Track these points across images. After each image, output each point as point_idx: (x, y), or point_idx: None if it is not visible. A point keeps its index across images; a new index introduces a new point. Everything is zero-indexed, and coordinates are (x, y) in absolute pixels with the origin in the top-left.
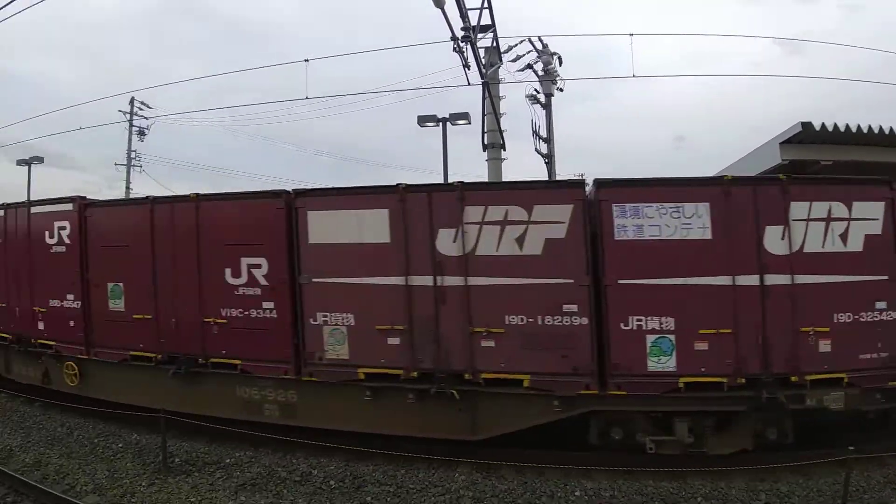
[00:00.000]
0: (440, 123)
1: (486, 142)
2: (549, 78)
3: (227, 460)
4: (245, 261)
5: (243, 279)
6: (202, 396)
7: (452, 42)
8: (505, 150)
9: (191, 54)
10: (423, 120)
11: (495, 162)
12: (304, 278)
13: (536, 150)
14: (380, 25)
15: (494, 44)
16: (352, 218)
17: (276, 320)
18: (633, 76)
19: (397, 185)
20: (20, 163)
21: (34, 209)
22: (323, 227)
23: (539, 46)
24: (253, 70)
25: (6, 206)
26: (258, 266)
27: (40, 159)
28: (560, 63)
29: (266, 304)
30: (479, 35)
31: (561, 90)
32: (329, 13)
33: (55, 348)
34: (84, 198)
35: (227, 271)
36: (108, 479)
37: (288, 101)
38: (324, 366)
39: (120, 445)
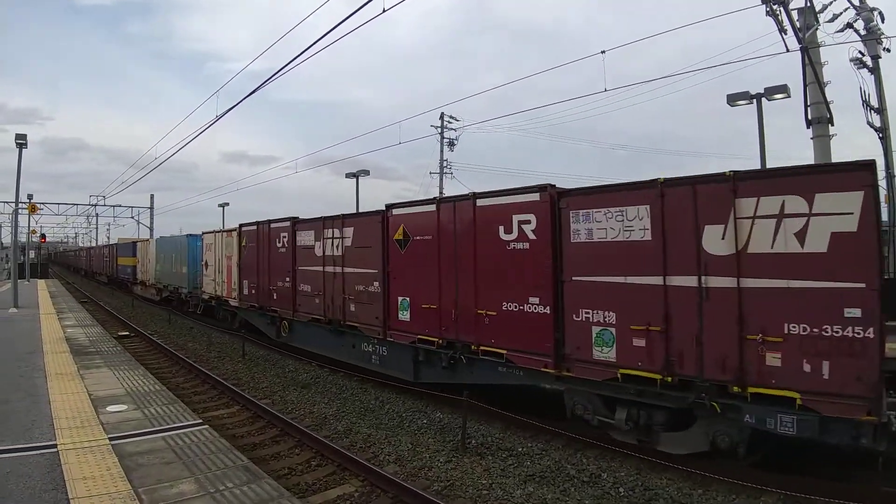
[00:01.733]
0: (753, 101)
1: (809, 117)
2: (872, 37)
3: (520, 449)
4: None
5: None
6: None
7: (765, 5)
8: (833, 124)
9: (491, 66)
10: (733, 98)
11: (822, 139)
12: None
13: (868, 122)
14: (676, 7)
15: (808, 3)
16: None
17: None
18: None
19: None
20: (349, 175)
21: None
22: None
23: (856, 2)
24: (548, 72)
25: None
26: None
27: (367, 172)
28: (882, 19)
29: None
30: None
31: (888, 50)
32: (623, 5)
33: None
34: None
35: None
36: (410, 451)
37: (583, 98)
38: None
39: (424, 422)
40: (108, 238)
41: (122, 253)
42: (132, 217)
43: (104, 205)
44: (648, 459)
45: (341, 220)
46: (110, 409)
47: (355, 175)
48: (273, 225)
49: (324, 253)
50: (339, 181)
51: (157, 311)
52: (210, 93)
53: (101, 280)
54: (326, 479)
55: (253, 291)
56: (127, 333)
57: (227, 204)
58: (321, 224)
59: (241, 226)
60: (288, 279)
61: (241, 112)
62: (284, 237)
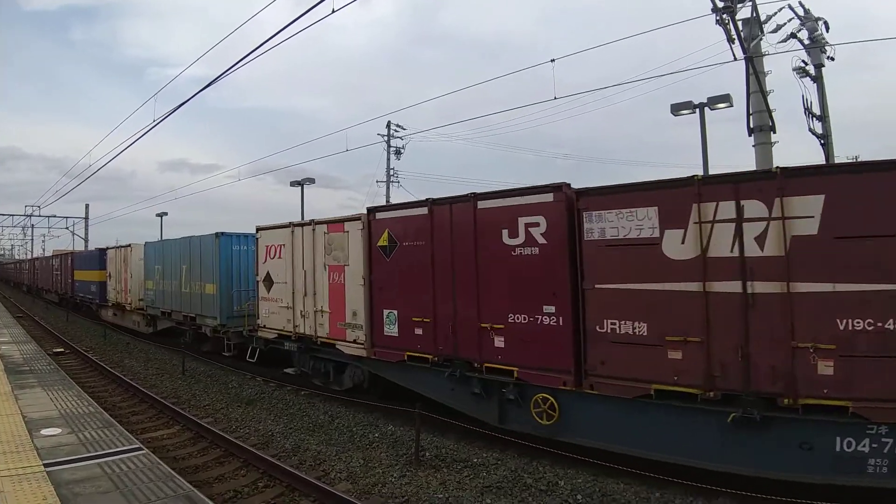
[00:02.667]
0: (697, 110)
1: (751, 125)
2: (816, 46)
3: (475, 460)
4: None
5: None
6: None
7: (714, 14)
8: (775, 132)
9: (438, 77)
10: (677, 108)
11: (764, 147)
12: None
13: (810, 129)
14: (620, 20)
15: (753, 14)
16: None
17: None
18: None
19: None
20: (293, 184)
21: None
22: None
23: (801, 12)
24: (496, 80)
25: None
26: None
27: (312, 180)
28: (827, 29)
29: None
30: (739, 5)
31: (832, 59)
32: (568, 15)
33: None
34: None
35: None
36: (362, 467)
37: (530, 107)
38: None
39: (376, 435)
40: (44, 250)
41: (83, 265)
42: (67, 227)
43: (38, 215)
44: (604, 465)
45: (777, 181)
46: (45, 432)
47: (300, 183)
48: (486, 204)
49: (703, 252)
50: (284, 190)
51: (91, 325)
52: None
53: (49, 299)
54: (275, 500)
55: (419, 331)
56: (62, 350)
57: (166, 213)
58: (693, 190)
59: (371, 211)
60: (553, 309)
61: (184, 118)
62: (533, 225)
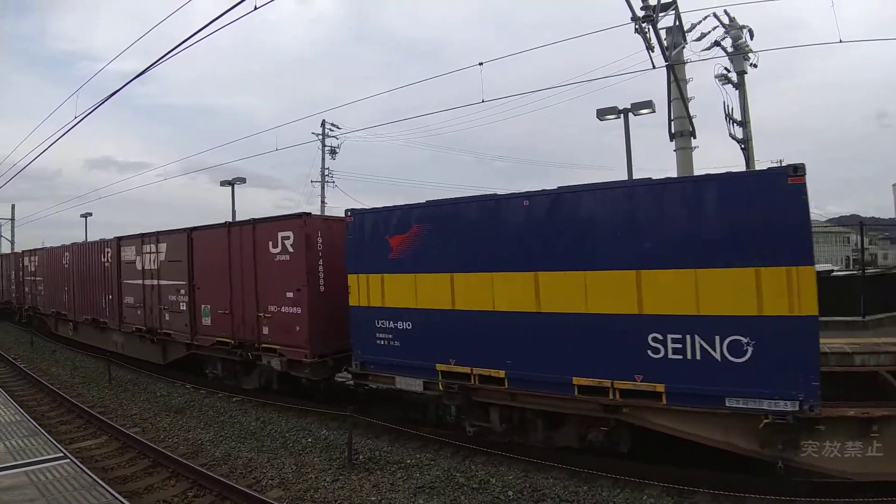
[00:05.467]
0: (621, 115)
1: (673, 130)
2: (739, 53)
3: (409, 461)
4: None
5: None
6: None
7: (634, 23)
8: (695, 137)
9: (375, 77)
10: (602, 113)
11: (685, 152)
12: None
13: (731, 135)
14: (551, 27)
15: (677, 23)
16: None
17: None
18: (840, 41)
19: None
20: (223, 183)
21: None
22: None
23: (725, 20)
24: (429, 81)
25: None
26: None
27: (243, 180)
28: (751, 36)
29: None
30: (661, 14)
31: (754, 66)
32: (499, 23)
33: None
34: None
35: None
36: (295, 473)
37: (463, 108)
38: None
39: (309, 440)
40: None
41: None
42: None
43: None
44: (534, 461)
45: None
46: None
47: (230, 183)
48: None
49: None
50: (217, 190)
51: (18, 332)
52: (81, 95)
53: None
54: None
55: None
56: None
57: (91, 214)
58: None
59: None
60: None
61: (111, 115)
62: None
